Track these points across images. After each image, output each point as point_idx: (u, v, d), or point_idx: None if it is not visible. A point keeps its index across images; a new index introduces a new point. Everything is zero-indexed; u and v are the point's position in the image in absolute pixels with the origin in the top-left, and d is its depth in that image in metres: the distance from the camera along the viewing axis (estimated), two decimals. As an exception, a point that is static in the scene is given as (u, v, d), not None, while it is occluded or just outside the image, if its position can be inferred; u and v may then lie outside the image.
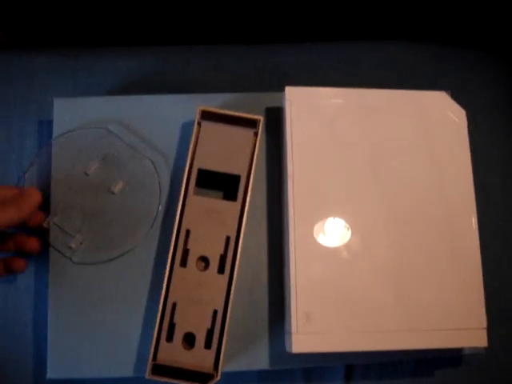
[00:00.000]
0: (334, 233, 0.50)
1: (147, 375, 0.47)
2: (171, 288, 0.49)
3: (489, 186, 0.60)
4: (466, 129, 0.54)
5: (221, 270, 0.49)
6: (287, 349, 0.50)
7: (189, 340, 0.48)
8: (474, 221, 0.52)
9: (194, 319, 0.48)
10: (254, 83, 0.63)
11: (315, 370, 0.56)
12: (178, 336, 0.48)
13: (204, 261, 0.50)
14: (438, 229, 0.51)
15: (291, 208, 0.50)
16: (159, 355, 0.48)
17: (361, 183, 0.52)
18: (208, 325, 0.48)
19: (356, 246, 0.50)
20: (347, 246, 0.50)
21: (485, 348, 0.51)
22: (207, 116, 0.52)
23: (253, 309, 0.53)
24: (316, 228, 0.50)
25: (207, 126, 0.52)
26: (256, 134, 0.53)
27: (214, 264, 0.50)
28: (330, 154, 0.52)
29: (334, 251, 0.50)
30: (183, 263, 0.49)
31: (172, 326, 0.48)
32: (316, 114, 0.53)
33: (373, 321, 0.49)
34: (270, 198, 0.55)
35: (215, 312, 0.49)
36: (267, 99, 0.57)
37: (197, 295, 0.49)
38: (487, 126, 0.63)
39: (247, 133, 0.52)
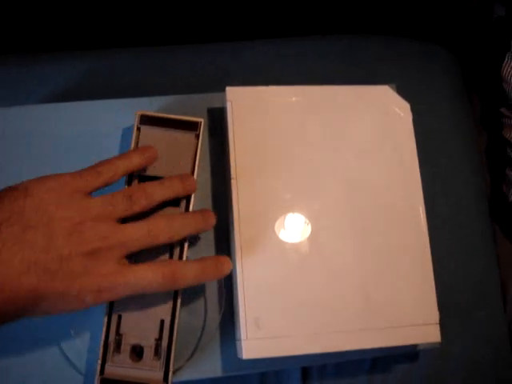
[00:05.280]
0: (281, 234, 0.49)
1: None
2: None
3: (436, 177, 0.60)
4: (411, 122, 0.53)
5: None
6: (238, 355, 0.49)
7: (137, 352, 0.47)
8: (422, 214, 0.51)
9: (140, 330, 0.47)
10: (195, 84, 0.62)
11: (271, 373, 0.55)
12: (126, 348, 0.47)
13: None
14: (387, 225, 0.51)
15: (236, 211, 0.49)
16: (107, 369, 0.46)
17: (307, 182, 0.51)
18: (155, 335, 0.47)
19: (305, 246, 0.49)
20: (295, 247, 0.49)
21: (440, 342, 0.50)
22: (147, 120, 0.51)
23: (202, 315, 0.51)
24: (262, 231, 0.49)
25: (147, 130, 0.51)
26: (197, 137, 0.51)
27: None
28: (274, 153, 0.51)
29: (282, 253, 0.49)
30: None
31: (119, 339, 0.47)
32: (259, 113, 0.52)
33: (324, 322, 0.48)
34: (215, 200, 0.54)
35: (162, 322, 0.47)
36: (209, 100, 0.56)
37: (142, 305, 0.47)
38: (434, 117, 0.63)
39: (188, 136, 0.51)
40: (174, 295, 0.48)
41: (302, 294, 0.48)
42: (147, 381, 0.46)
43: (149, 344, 0.47)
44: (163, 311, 0.47)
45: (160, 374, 0.46)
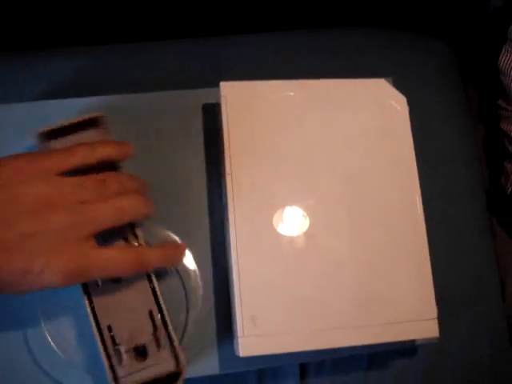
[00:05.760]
0: (277, 231, 0.49)
1: None
2: (98, 312, 0.46)
3: (432, 172, 0.60)
4: (408, 115, 0.53)
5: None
6: (236, 353, 0.48)
7: (141, 352, 0.46)
8: (419, 209, 0.51)
9: (134, 331, 0.46)
10: (191, 80, 0.61)
11: (268, 369, 0.55)
12: (129, 355, 0.46)
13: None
14: (384, 220, 0.50)
15: (230, 206, 0.48)
16: (121, 381, 0.45)
17: (303, 177, 0.50)
18: (150, 328, 0.46)
19: (301, 243, 0.49)
20: (291, 243, 0.49)
21: (438, 337, 0.50)
22: (53, 135, 0.47)
23: (199, 312, 0.51)
24: (258, 227, 0.49)
25: (59, 142, 0.48)
26: (105, 132, 0.49)
27: None
28: (269, 149, 0.50)
29: (278, 250, 0.48)
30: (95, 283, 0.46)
31: (118, 349, 0.46)
32: (254, 108, 0.51)
33: (322, 319, 0.48)
34: (210, 196, 0.54)
35: (151, 313, 0.47)
36: (204, 96, 0.55)
37: (125, 305, 0.47)
38: (431, 110, 0.62)
39: (96, 133, 0.49)
40: (149, 281, 0.47)
41: (298, 291, 0.48)
42: (164, 373, 0.46)
43: (148, 339, 0.46)
44: (147, 303, 0.47)
45: (172, 362, 0.46)
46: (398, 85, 0.54)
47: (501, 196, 0.70)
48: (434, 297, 0.49)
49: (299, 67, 0.63)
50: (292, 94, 0.52)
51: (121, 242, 0.47)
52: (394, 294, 0.49)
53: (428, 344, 0.53)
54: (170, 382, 0.45)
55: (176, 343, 0.46)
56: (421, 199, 0.51)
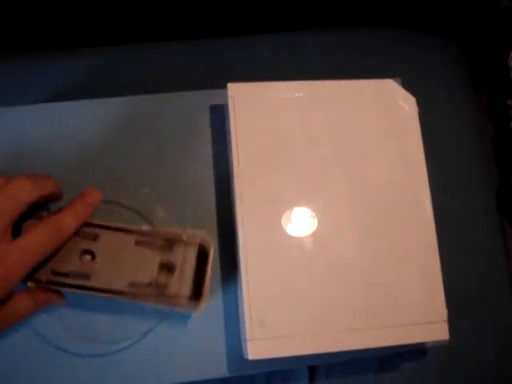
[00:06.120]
0: (285, 233, 0.48)
1: (197, 311, 0.46)
2: (106, 286, 0.45)
3: (441, 172, 0.59)
4: (417, 116, 0.52)
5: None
6: (244, 355, 0.48)
7: (167, 267, 0.46)
8: (428, 209, 0.51)
9: (145, 262, 0.46)
10: (198, 81, 0.61)
11: (278, 372, 0.55)
12: (163, 276, 0.46)
13: (89, 253, 0.46)
14: (393, 221, 0.50)
15: (239, 209, 0.48)
16: (181, 299, 0.46)
17: (312, 178, 0.50)
18: (150, 249, 0.46)
19: (309, 244, 0.49)
20: (300, 245, 0.48)
21: (448, 340, 0.50)
22: None
23: (207, 315, 0.51)
24: (267, 229, 0.48)
25: None
26: None
27: None
28: (277, 150, 0.50)
29: (286, 252, 0.48)
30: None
31: (152, 283, 0.46)
32: (261, 110, 0.51)
33: (330, 321, 0.47)
34: (218, 198, 0.53)
35: (137, 241, 0.46)
36: (212, 97, 0.55)
37: (119, 260, 0.46)
38: (440, 110, 0.62)
39: None
40: (108, 229, 0.46)
41: (307, 293, 0.48)
42: (196, 259, 0.46)
43: (159, 256, 0.46)
44: (127, 240, 0.46)
45: (192, 247, 0.46)
46: (406, 85, 0.53)
47: (511, 196, 0.69)
48: (444, 299, 0.49)
49: (301, 67, 0.63)
50: (300, 95, 0.52)
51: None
52: (403, 296, 0.48)
53: (438, 345, 0.53)
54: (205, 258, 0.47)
55: (178, 233, 0.46)
56: (430, 199, 0.51)
